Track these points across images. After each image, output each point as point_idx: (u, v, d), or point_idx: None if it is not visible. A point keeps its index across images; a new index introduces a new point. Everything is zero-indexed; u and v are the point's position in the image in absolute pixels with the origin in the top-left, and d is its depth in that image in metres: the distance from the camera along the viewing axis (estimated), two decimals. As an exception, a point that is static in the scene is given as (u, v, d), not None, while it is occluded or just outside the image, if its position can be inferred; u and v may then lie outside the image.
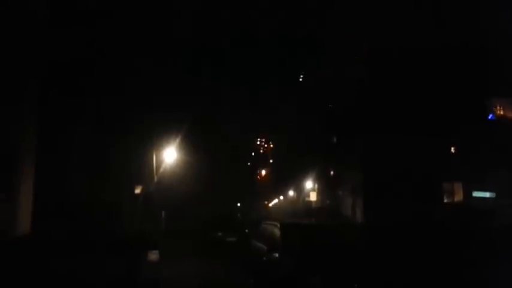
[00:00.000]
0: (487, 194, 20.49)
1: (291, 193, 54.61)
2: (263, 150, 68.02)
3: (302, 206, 43.37)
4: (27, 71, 12.09)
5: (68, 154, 15.98)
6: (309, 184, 41.51)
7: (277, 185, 61.74)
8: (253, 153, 66.04)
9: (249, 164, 56.41)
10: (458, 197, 22.27)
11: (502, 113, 23.24)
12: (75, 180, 16.34)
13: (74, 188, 16.19)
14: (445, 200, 22.40)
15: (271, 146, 65.50)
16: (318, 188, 40.47)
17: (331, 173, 35.75)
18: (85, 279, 7.59)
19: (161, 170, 20.14)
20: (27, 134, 12.12)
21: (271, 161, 66.10)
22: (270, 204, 68.41)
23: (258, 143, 66.49)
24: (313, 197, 39.47)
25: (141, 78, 20.90)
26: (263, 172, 65.57)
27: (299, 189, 48.09)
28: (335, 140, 34.77)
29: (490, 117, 22.89)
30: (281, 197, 63.46)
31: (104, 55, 17.51)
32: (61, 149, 15.35)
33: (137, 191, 20.98)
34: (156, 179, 20.07)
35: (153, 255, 8.93)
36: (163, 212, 23.01)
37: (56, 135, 14.78)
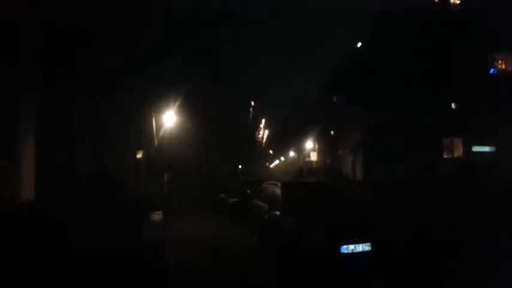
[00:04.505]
0: (487, 149, 20.61)
1: (291, 154, 54.94)
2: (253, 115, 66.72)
3: (303, 166, 43.77)
4: (24, 42, 11.93)
5: (69, 121, 15.99)
6: (309, 144, 41.70)
7: (278, 146, 61.95)
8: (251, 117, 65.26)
9: (249, 125, 56.29)
10: (458, 152, 22.40)
11: (503, 67, 22.97)
12: (77, 147, 16.43)
13: (76, 154, 16.31)
14: (445, 156, 22.54)
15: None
16: (319, 148, 40.66)
17: (332, 132, 35.81)
18: (90, 244, 7.73)
19: (161, 133, 20.16)
20: (26, 103, 12.10)
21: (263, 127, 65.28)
22: (271, 166, 68.96)
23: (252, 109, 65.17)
24: (313, 157, 39.72)
25: (139, 41, 20.54)
26: (263, 133, 65.38)
27: (300, 150, 48.34)
28: (335, 99, 34.58)
29: (491, 71, 22.64)
30: (282, 158, 63.88)
31: (100, 19, 17.14)
32: (61, 117, 15.35)
33: (139, 155, 21.11)
34: (156, 142, 20.13)
35: (157, 216, 9.08)
36: (165, 175, 23.24)
37: (55, 103, 14.73)
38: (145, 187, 19.28)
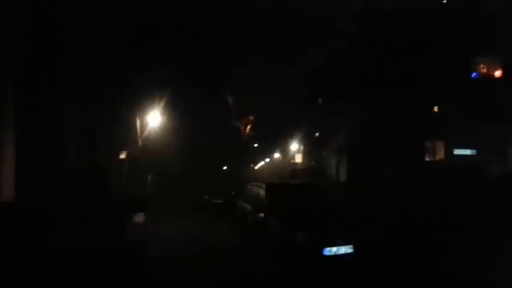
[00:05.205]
0: (468, 151, 20.92)
1: (276, 155, 54.98)
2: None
3: (288, 168, 43.84)
4: (7, 40, 11.71)
5: (51, 121, 15.75)
6: (294, 146, 41.79)
7: (263, 147, 61.91)
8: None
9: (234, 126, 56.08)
10: (440, 155, 22.69)
11: (485, 71, 23.34)
12: (59, 146, 16.19)
13: (58, 154, 16.07)
14: (427, 159, 22.82)
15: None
16: (304, 150, 40.79)
17: (317, 134, 35.97)
18: (73, 244, 7.65)
19: (145, 134, 19.99)
20: (5, 103, 11.87)
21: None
22: (256, 167, 68.89)
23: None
24: (298, 158, 39.82)
25: (127, 42, 20.39)
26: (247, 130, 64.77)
27: (285, 152, 48.41)
28: (320, 101, 34.76)
29: (473, 75, 23.00)
30: (267, 160, 63.85)
31: (84, 18, 16.98)
32: (43, 117, 15.11)
33: (122, 156, 20.90)
34: (140, 143, 19.95)
35: (139, 218, 9.02)
36: (149, 176, 23.04)
37: (36, 102, 14.51)
38: (128, 187, 19.10)
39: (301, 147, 41.01)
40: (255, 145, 64.15)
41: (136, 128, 19.86)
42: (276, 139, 48.99)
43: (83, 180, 15.28)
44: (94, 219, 8.43)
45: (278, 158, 54.15)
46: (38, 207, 8.61)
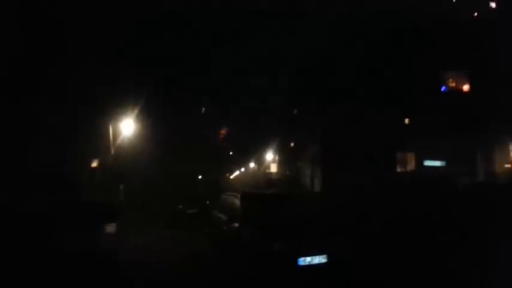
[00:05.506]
0: (438, 163, 21.47)
1: (252, 165, 55.00)
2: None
3: (263, 178, 43.85)
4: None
5: (22, 128, 15.37)
6: (269, 156, 41.97)
7: (239, 157, 61.79)
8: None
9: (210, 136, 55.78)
10: (411, 166, 23.22)
11: (454, 85, 24.13)
12: (30, 154, 15.82)
13: (29, 161, 15.70)
14: (398, 170, 23.30)
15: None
16: (279, 160, 41.02)
17: (292, 144, 36.24)
18: (42, 253, 7.46)
19: (118, 142, 19.66)
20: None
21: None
22: (231, 177, 68.60)
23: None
24: (273, 168, 40.03)
25: (97, 49, 20.12)
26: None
27: (260, 161, 48.52)
28: (296, 112, 35.07)
29: (442, 89, 23.74)
30: (242, 169, 63.76)
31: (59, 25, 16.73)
32: (15, 123, 14.74)
33: (94, 164, 20.52)
34: (113, 151, 19.59)
35: (111, 228, 8.85)
36: (121, 185, 22.61)
37: (7, 108, 14.15)
38: (100, 197, 18.70)
39: (276, 157, 41.25)
40: (230, 153, 64.04)
41: (109, 136, 19.52)
42: (252, 149, 49.03)
43: (51, 191, 14.94)
44: (65, 227, 8.24)
45: (253, 168, 54.21)
46: (8, 212, 8.39)
